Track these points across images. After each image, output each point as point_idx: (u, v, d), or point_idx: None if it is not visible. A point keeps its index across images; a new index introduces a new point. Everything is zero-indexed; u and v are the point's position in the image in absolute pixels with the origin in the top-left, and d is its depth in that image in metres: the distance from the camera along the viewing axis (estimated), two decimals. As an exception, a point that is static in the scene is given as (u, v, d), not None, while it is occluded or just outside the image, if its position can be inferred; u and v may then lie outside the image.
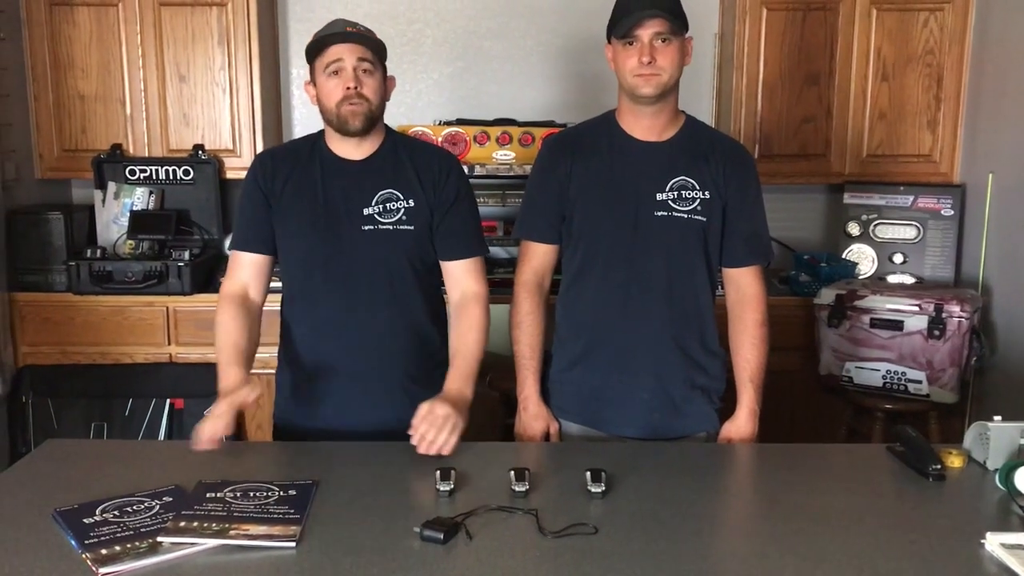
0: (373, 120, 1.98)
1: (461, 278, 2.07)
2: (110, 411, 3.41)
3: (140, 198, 3.57)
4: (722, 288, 2.14)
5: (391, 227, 2.00)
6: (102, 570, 1.35)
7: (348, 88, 1.93)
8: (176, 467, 1.76)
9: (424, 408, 1.83)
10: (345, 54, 1.93)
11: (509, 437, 3.20)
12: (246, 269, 2.04)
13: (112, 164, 3.56)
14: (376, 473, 1.74)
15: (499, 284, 3.40)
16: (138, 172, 3.57)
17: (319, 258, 2.01)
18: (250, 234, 2.04)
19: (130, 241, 3.49)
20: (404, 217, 2.00)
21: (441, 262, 2.07)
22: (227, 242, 3.12)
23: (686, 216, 2.02)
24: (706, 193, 2.03)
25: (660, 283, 2.04)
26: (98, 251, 3.38)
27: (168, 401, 3.40)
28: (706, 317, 2.08)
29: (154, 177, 3.58)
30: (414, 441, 1.78)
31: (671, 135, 2.05)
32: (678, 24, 1.94)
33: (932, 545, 1.47)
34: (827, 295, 3.14)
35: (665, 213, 2.02)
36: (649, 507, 1.60)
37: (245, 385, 1.83)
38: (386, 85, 2.01)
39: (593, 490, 1.63)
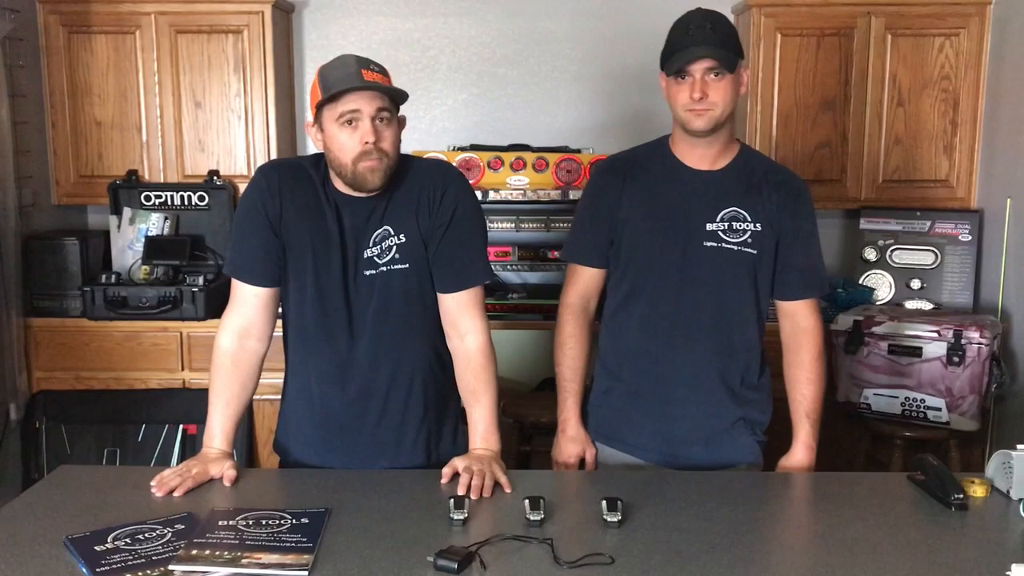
0: (390, 175, 1.83)
1: (455, 314, 1.91)
2: (123, 437, 3.40)
3: (155, 224, 3.58)
4: (772, 318, 2.12)
5: (386, 268, 1.87)
6: (112, 599, 1.33)
7: (367, 143, 1.77)
8: (188, 494, 1.75)
9: (459, 466, 1.80)
10: (363, 104, 1.76)
11: (524, 464, 3.20)
12: (250, 305, 1.90)
13: (128, 190, 3.58)
14: (389, 501, 1.72)
15: (512, 309, 3.42)
16: (153, 198, 3.59)
17: (324, 305, 1.88)
18: (256, 263, 1.88)
19: (144, 267, 3.50)
20: (397, 256, 1.87)
21: (437, 292, 1.92)
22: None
23: (736, 248, 2.00)
24: (757, 225, 2.01)
25: (707, 315, 2.01)
26: (113, 276, 3.39)
27: (181, 427, 3.39)
28: (753, 352, 2.06)
29: (169, 203, 3.60)
30: (460, 491, 1.72)
31: (724, 164, 2.04)
32: (731, 58, 1.92)
33: (956, 577, 1.44)
34: (844, 321, 3.11)
35: (715, 244, 2.00)
36: (667, 537, 1.57)
37: (225, 461, 1.83)
38: (400, 129, 1.86)
39: (609, 519, 1.60)
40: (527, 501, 1.64)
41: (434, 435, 1.99)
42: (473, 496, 1.72)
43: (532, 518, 1.60)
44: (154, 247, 3.53)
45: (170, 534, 1.55)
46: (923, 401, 2.98)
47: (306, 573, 1.41)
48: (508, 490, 1.77)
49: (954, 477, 1.75)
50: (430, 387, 1.97)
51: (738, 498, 1.84)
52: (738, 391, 2.05)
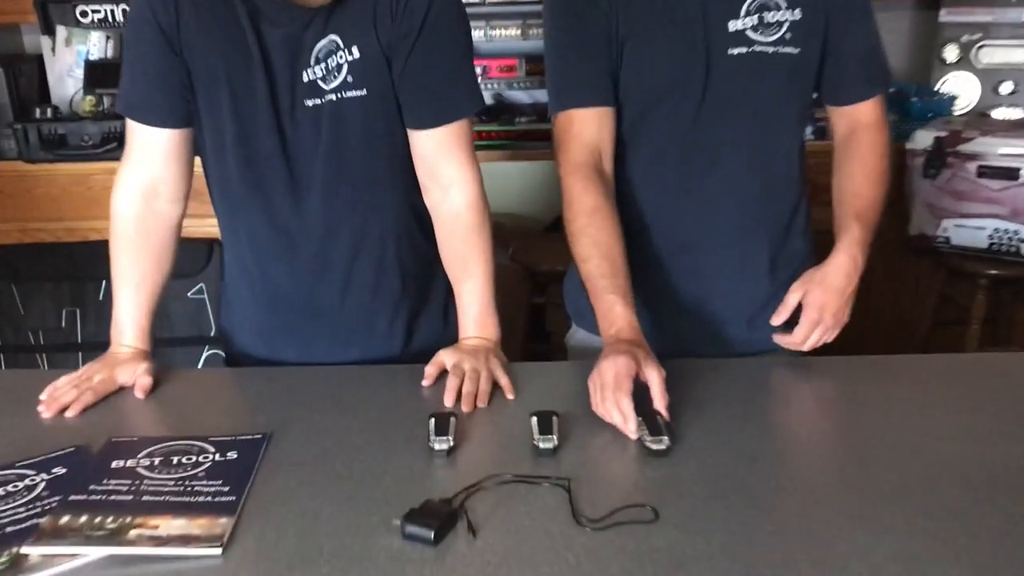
0: None
1: (434, 159, 1.42)
2: (82, 295, 2.98)
3: (96, 45, 3.02)
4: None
5: (335, 96, 1.35)
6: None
7: None
8: (86, 412, 1.32)
9: (446, 362, 1.38)
10: None
11: (538, 324, 2.76)
12: (154, 154, 1.42)
13: (59, 4, 2.99)
14: (350, 418, 1.28)
15: (521, 136, 2.90)
16: (91, 13, 3.02)
17: (251, 151, 1.40)
18: (153, 95, 1.38)
19: (90, 98, 2.97)
20: (350, 78, 1.35)
21: (408, 129, 1.42)
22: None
23: (771, 50, 1.43)
24: (796, 12, 1.43)
25: (741, 152, 1.48)
26: (48, 110, 2.87)
27: (147, 282, 2.97)
28: (798, 188, 1.55)
29: (110, 19, 3.02)
30: (448, 402, 1.30)
31: None
32: None
33: None
34: (923, 138, 2.57)
35: (744, 49, 1.43)
36: (731, 469, 1.13)
37: (137, 364, 1.40)
38: None
39: (652, 447, 1.16)
40: (535, 420, 1.20)
41: (417, 316, 1.54)
42: (464, 408, 1.28)
43: (542, 445, 1.17)
44: (96, 73, 2.97)
45: (43, 484, 1.12)
46: (1016, 233, 2.48)
47: (219, 551, 0.99)
48: (510, 396, 1.33)
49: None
50: (407, 255, 1.50)
51: (822, 402, 1.38)
52: (785, 245, 1.55)
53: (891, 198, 2.73)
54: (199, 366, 2.88)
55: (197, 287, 2.89)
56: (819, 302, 1.43)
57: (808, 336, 1.44)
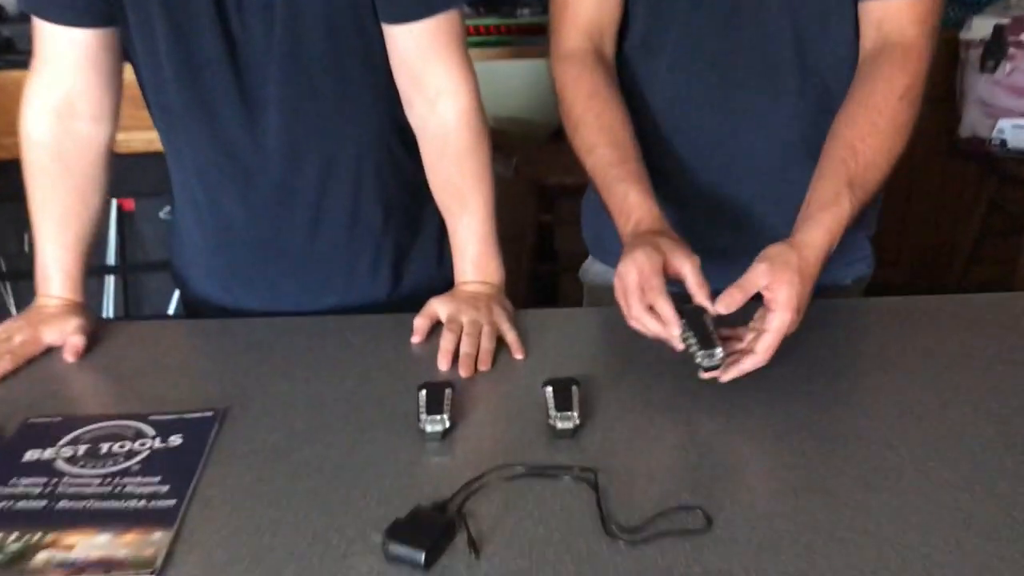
0: None
1: (416, 62, 1.14)
2: (46, 217, 2.74)
3: (44, -66, 2.70)
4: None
5: None
6: None
7: None
8: (4, 384, 1.09)
9: (440, 313, 1.14)
10: None
11: (545, 244, 2.52)
12: (67, 62, 1.14)
13: None
14: (321, 391, 1.04)
15: (524, 31, 2.60)
16: None
17: (189, 60, 1.12)
18: None
19: (41, -6, 2.66)
20: None
21: (383, 25, 1.15)
22: None
23: None
24: None
25: (784, 53, 1.19)
26: (-7, 10, 2.58)
27: (115, 202, 2.72)
28: None
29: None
30: (443, 365, 1.07)
31: None
32: None
33: None
34: (980, 27, 2.27)
35: None
36: (802, 453, 0.90)
37: (67, 320, 1.15)
38: None
39: (704, 363, 0.95)
40: (550, 391, 0.97)
41: (405, 253, 1.30)
42: (463, 373, 1.05)
43: (560, 425, 0.93)
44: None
45: (-63, 487, 0.90)
46: (1083, 134, 2.22)
47: (150, 579, 0.77)
48: (518, 355, 1.10)
49: None
50: (390, 181, 1.25)
51: (914, 344, 1.13)
52: None
53: (939, 96, 2.47)
54: (175, 296, 2.65)
55: (168, 207, 2.65)
56: (796, 298, 0.97)
57: (774, 350, 0.98)
